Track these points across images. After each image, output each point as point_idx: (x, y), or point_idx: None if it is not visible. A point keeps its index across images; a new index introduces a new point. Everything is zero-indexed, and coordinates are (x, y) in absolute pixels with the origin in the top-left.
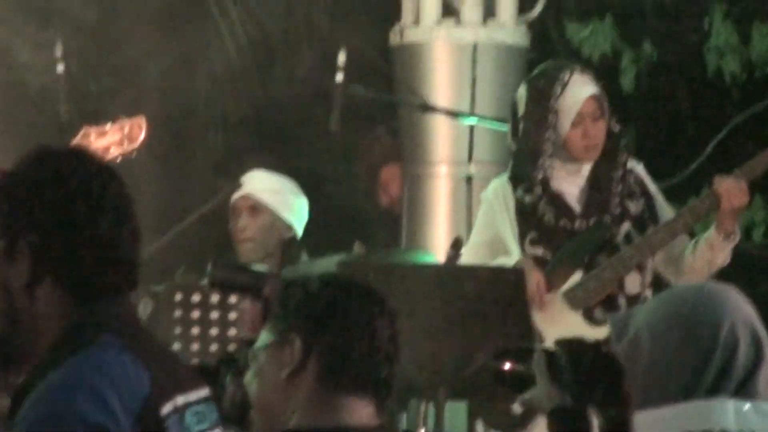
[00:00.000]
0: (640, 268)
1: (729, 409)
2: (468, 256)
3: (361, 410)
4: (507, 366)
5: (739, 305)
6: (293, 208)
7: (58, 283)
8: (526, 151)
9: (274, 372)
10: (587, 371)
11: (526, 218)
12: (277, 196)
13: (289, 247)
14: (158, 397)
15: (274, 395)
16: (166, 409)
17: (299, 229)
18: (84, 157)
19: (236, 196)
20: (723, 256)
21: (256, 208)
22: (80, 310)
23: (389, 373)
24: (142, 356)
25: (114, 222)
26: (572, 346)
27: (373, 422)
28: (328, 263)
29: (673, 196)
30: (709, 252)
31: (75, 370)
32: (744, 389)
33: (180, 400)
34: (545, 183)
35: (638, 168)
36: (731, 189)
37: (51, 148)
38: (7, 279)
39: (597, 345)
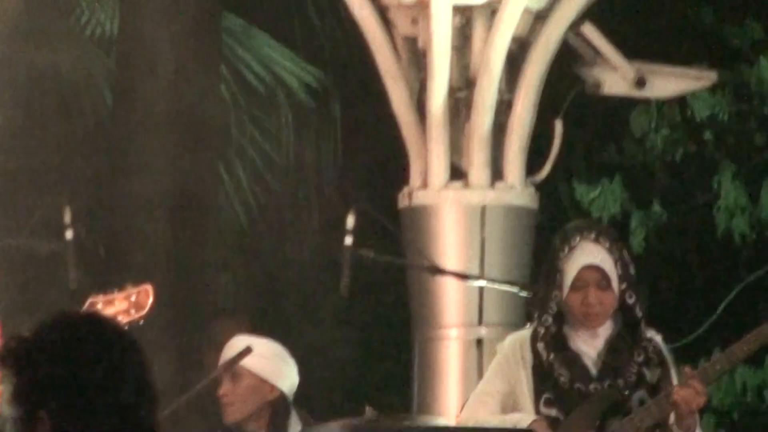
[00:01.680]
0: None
1: None
2: (475, 404)
3: None
4: None
5: None
6: (277, 371)
7: None
8: (536, 304)
9: None
10: None
11: (543, 377)
12: (260, 360)
13: (277, 408)
14: None
15: None
16: None
17: (288, 391)
18: (102, 323)
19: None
20: None
21: (236, 373)
22: None
23: None
24: None
25: (134, 389)
26: None
27: None
28: (335, 427)
29: (685, 357)
30: None
31: None
32: None
33: None
34: (564, 342)
35: (657, 338)
36: (687, 397)
37: (68, 314)
38: None
39: None
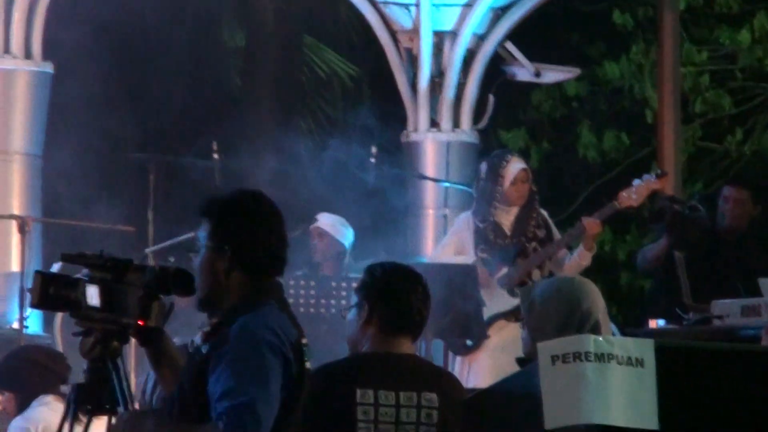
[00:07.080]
0: (540, 267)
1: (590, 339)
2: (439, 251)
3: (405, 344)
4: None
5: (591, 287)
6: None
7: (244, 270)
8: (483, 198)
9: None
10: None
11: (479, 236)
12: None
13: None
14: (300, 335)
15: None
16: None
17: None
18: (264, 197)
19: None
20: (586, 263)
21: (322, 234)
22: (254, 285)
23: (422, 321)
24: (289, 315)
25: (280, 242)
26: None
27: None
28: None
29: (559, 225)
30: (578, 260)
31: (257, 317)
32: (595, 331)
33: (304, 340)
34: (492, 217)
35: (543, 212)
36: (591, 224)
37: (247, 190)
38: (215, 266)
39: None
